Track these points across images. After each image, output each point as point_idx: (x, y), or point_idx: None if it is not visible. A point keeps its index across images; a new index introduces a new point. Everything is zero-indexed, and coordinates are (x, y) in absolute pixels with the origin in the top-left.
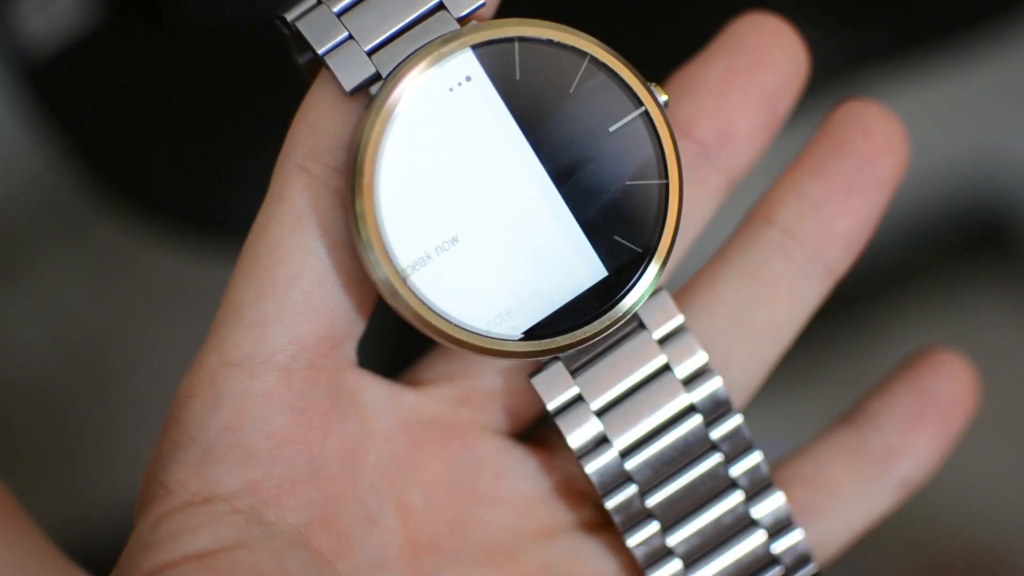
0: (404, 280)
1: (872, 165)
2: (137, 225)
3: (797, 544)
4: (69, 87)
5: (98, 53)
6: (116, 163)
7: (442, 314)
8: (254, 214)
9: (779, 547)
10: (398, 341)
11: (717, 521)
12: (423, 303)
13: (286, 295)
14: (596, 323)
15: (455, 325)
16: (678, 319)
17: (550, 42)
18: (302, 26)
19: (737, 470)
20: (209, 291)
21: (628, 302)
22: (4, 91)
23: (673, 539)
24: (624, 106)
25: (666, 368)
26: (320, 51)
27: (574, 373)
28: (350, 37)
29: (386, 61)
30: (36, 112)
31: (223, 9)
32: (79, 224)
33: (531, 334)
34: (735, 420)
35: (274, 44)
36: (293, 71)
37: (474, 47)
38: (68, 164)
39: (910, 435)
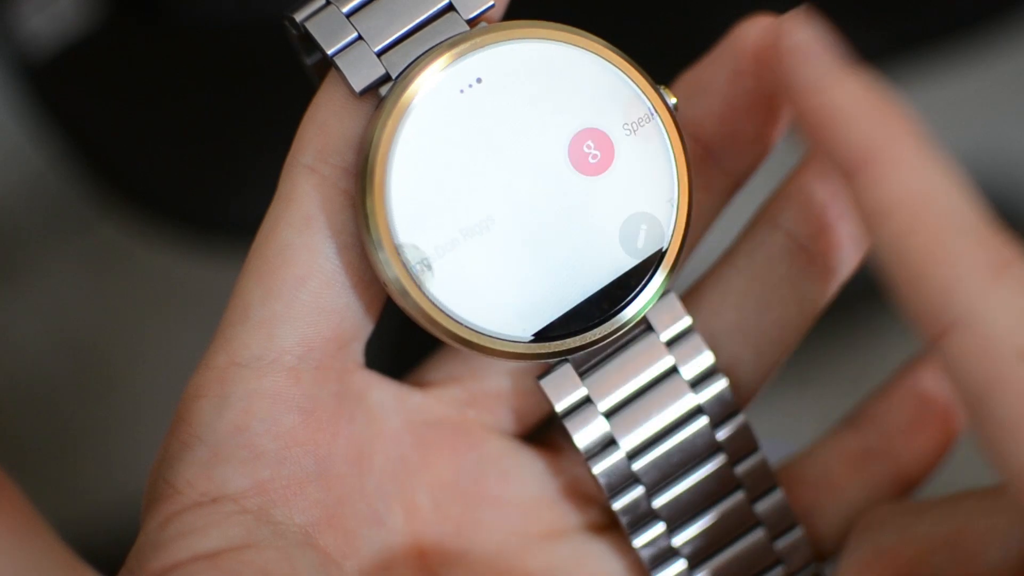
0: (414, 279)
1: None
2: (137, 225)
3: (799, 544)
4: (69, 87)
5: (98, 53)
6: (116, 163)
7: (452, 315)
8: (254, 214)
9: (782, 546)
10: (399, 342)
11: (722, 521)
12: (433, 303)
13: (295, 296)
14: (606, 325)
15: (465, 326)
16: (686, 321)
17: (560, 44)
18: (311, 26)
19: (742, 470)
20: (209, 291)
21: (638, 304)
22: (4, 91)
23: (679, 539)
24: (634, 108)
25: (673, 370)
26: (329, 52)
27: (582, 375)
28: (359, 38)
29: (396, 62)
30: (36, 112)
31: (223, 9)
32: (79, 224)
33: (541, 336)
34: (741, 421)
35: (274, 43)
36: (293, 70)
37: (484, 49)
38: (68, 164)
39: (911, 438)
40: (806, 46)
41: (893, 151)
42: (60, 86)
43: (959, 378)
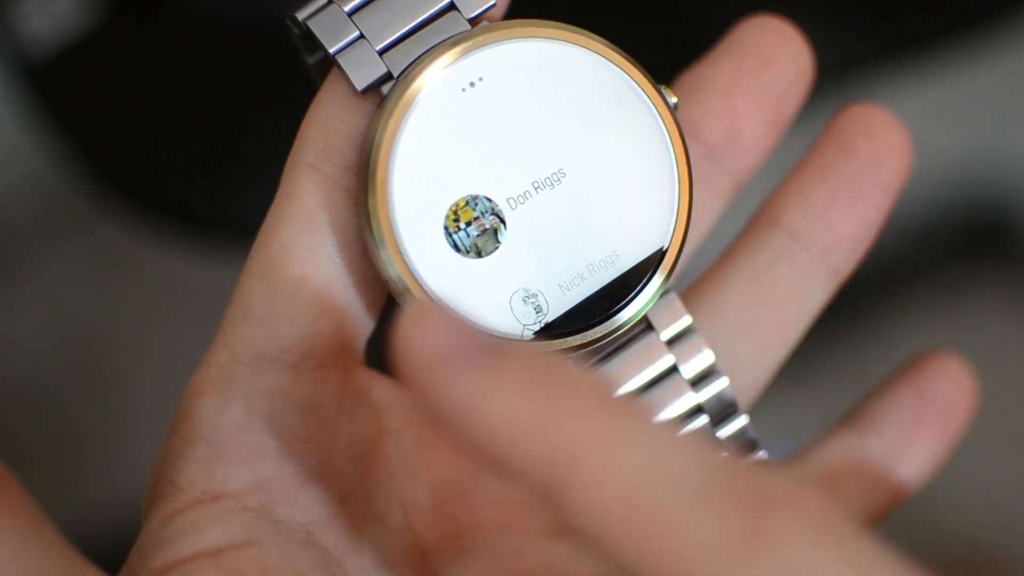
0: (416, 277)
1: (876, 169)
2: (137, 225)
3: None
4: (69, 87)
5: (98, 53)
6: (116, 163)
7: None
8: (254, 213)
9: None
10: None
11: None
12: (435, 301)
13: (297, 294)
14: (607, 324)
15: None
16: (686, 320)
17: (561, 43)
18: (313, 25)
19: None
20: (209, 291)
21: (639, 303)
22: (4, 91)
23: None
24: (634, 108)
25: (674, 369)
26: (331, 50)
27: None
28: (361, 36)
29: (397, 61)
30: (36, 112)
31: (223, 8)
32: (79, 224)
33: (543, 334)
34: (741, 420)
35: (274, 43)
36: (293, 70)
37: (486, 48)
38: (68, 164)
39: (910, 438)
40: (433, 354)
41: (580, 455)
42: (60, 86)
43: None
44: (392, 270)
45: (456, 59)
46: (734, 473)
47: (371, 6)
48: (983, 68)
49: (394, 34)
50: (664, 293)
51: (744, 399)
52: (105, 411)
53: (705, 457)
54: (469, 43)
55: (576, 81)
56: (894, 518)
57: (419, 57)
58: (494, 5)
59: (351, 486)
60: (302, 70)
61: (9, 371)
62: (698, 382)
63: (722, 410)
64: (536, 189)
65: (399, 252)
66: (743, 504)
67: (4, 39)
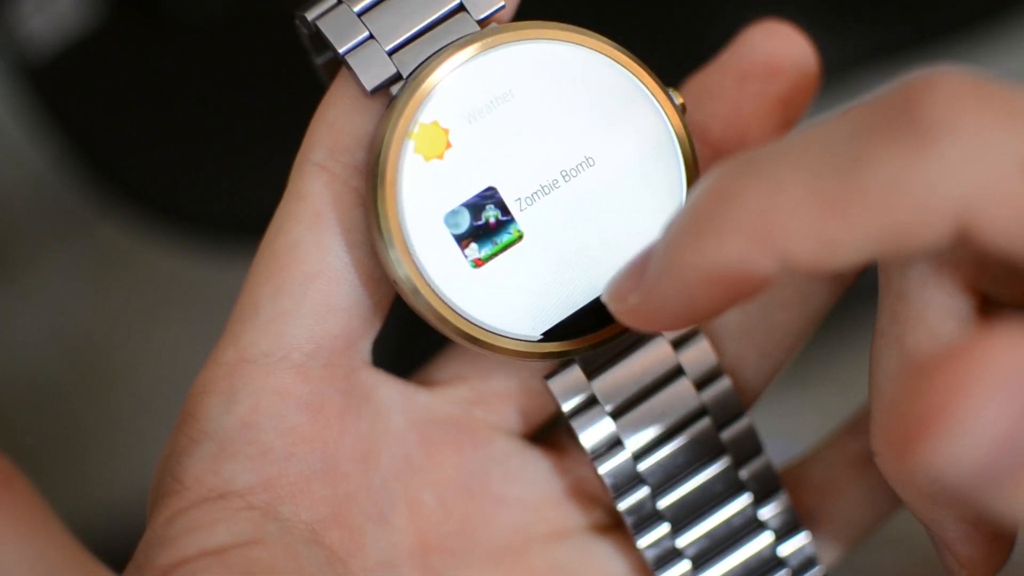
0: (424, 277)
1: None
2: (137, 225)
3: (803, 547)
4: (69, 87)
5: (98, 53)
6: (116, 163)
7: (462, 313)
8: (255, 212)
9: (786, 550)
10: (404, 341)
11: (726, 523)
12: (443, 301)
13: (304, 293)
14: (614, 325)
15: (475, 324)
16: None
17: (570, 45)
18: (323, 25)
19: (746, 472)
20: (209, 289)
21: None
22: (4, 91)
23: (683, 540)
24: (643, 110)
25: (679, 371)
26: (341, 50)
27: (590, 375)
28: (371, 37)
29: (406, 61)
30: (36, 112)
31: (223, 8)
32: (79, 224)
33: (551, 335)
34: (745, 423)
35: (274, 42)
36: (294, 67)
37: (495, 49)
38: (68, 164)
39: None
40: None
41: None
42: (60, 86)
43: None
44: (401, 270)
45: (465, 61)
46: (856, 116)
47: (381, 7)
48: (984, 68)
49: (404, 35)
50: None
51: (748, 401)
52: (107, 409)
53: (834, 129)
54: (478, 45)
55: (585, 83)
56: (895, 517)
57: (428, 58)
58: (503, 7)
59: (356, 485)
60: (303, 69)
61: (10, 370)
62: (703, 384)
63: (726, 412)
64: (545, 190)
65: (408, 252)
66: (892, 119)
67: (4, 39)
